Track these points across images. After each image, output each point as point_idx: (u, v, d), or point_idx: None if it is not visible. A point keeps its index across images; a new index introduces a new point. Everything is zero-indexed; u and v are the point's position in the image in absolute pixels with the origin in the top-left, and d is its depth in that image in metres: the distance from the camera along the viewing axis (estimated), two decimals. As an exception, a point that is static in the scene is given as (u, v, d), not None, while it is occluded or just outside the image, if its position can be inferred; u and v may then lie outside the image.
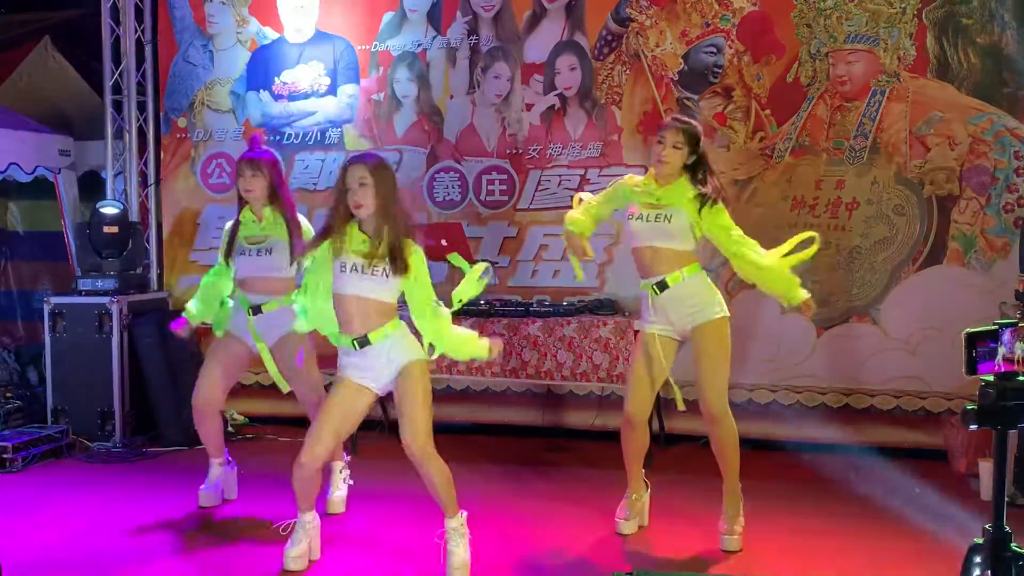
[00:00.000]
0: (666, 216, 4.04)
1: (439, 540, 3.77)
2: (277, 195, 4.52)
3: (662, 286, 4.05)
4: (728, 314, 4.11)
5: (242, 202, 4.56)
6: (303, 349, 4.40)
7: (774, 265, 4.04)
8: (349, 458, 4.78)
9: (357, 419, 3.84)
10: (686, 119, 4.16)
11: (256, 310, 4.50)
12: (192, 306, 4.65)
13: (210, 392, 4.62)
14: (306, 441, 3.71)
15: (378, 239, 3.60)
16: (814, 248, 4.01)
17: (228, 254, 4.55)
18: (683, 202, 4.02)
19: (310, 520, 3.90)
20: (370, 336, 3.64)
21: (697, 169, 4.06)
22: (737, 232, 4.06)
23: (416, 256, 3.62)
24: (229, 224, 4.60)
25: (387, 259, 3.58)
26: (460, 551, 3.72)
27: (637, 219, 4.11)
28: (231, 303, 4.58)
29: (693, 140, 4.04)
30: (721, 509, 4.10)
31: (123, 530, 4.39)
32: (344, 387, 3.73)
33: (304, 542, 3.88)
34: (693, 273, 4.06)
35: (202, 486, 4.76)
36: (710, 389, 4.02)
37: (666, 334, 4.10)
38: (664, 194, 4.05)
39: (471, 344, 3.76)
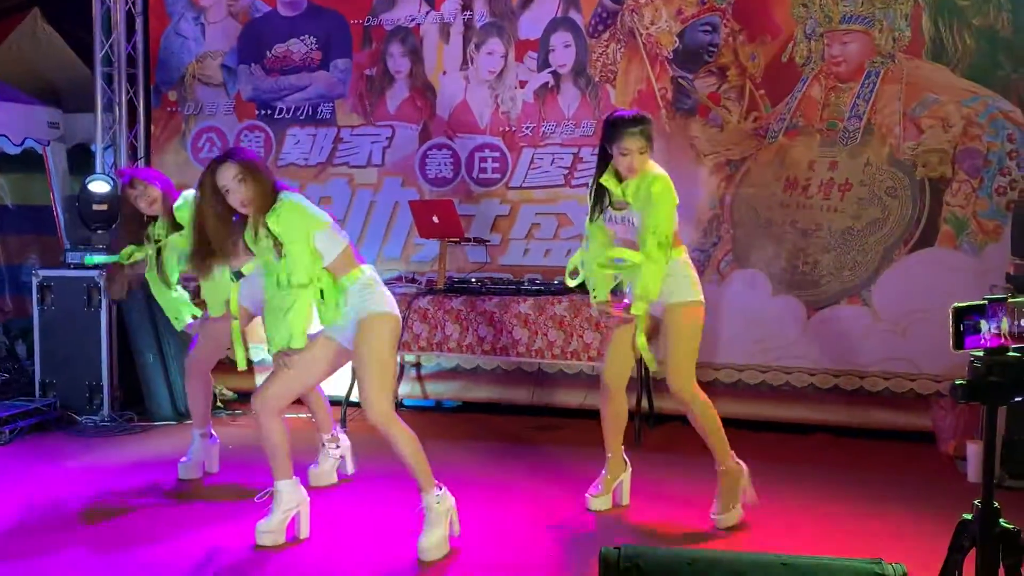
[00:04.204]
0: (630, 220, 4.04)
1: (418, 515, 3.75)
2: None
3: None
4: (702, 300, 4.06)
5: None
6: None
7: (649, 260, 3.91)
8: (341, 431, 4.77)
9: (318, 368, 3.80)
10: (635, 117, 4.01)
11: (238, 275, 4.52)
12: None
13: (205, 351, 4.62)
14: (267, 380, 3.74)
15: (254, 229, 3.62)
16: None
17: None
18: (640, 199, 3.97)
19: (286, 490, 3.83)
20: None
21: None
22: (651, 236, 3.90)
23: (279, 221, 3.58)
24: None
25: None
26: (433, 529, 3.69)
27: (609, 220, 4.12)
28: None
29: (650, 134, 3.98)
30: (716, 488, 4.11)
31: (106, 502, 4.38)
32: (320, 341, 3.75)
33: (278, 516, 3.82)
34: (671, 257, 4.00)
35: (183, 459, 4.76)
36: (674, 373, 4.02)
37: None
38: (628, 192, 3.99)
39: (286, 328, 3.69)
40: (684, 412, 4.14)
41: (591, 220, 4.20)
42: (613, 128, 3.98)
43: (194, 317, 4.72)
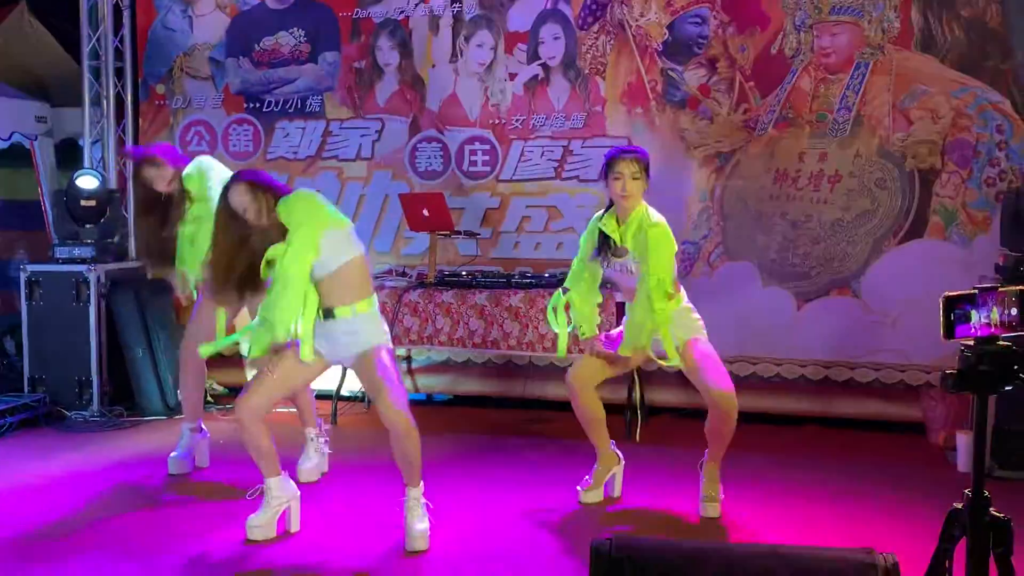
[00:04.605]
0: (628, 268, 4.09)
1: (401, 509, 3.76)
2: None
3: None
4: (703, 334, 4.10)
5: None
6: None
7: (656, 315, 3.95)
8: (327, 427, 4.77)
9: (305, 378, 3.86)
10: (630, 148, 4.20)
11: None
12: None
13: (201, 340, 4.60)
14: (251, 386, 3.74)
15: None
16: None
17: None
18: (639, 246, 4.00)
19: (275, 487, 3.84)
20: (335, 310, 3.67)
21: None
22: (655, 280, 3.94)
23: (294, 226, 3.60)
24: None
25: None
26: (423, 520, 3.73)
27: (607, 268, 4.18)
28: None
29: (646, 168, 4.04)
30: (701, 476, 4.12)
31: (95, 497, 4.37)
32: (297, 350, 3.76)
33: (269, 512, 3.83)
34: (673, 308, 4.02)
35: (173, 453, 4.74)
36: (715, 386, 3.99)
37: None
38: (627, 237, 4.03)
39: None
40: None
41: (585, 264, 4.25)
42: (609, 158, 4.08)
43: None
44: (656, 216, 4.04)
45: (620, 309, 5.29)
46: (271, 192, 3.67)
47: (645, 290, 3.97)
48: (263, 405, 3.79)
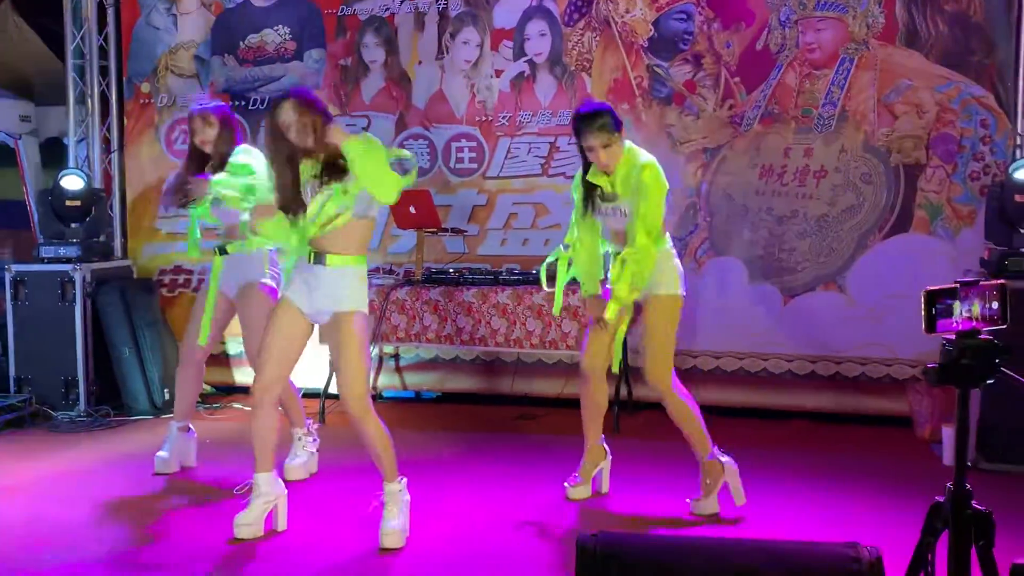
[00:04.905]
0: (621, 211, 4.00)
1: (377, 504, 3.76)
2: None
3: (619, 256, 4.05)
4: (681, 293, 4.05)
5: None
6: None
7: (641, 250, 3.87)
8: (316, 425, 4.76)
9: (300, 344, 3.78)
10: (592, 112, 3.94)
11: (223, 250, 4.50)
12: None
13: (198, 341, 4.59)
14: (255, 371, 3.70)
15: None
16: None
17: None
18: (628, 189, 3.94)
19: (265, 483, 3.82)
20: (328, 256, 3.63)
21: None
22: (641, 224, 3.88)
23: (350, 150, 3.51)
24: None
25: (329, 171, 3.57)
26: (395, 517, 3.70)
27: (598, 213, 4.08)
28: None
29: (612, 126, 3.89)
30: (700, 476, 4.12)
31: (81, 497, 4.35)
32: (283, 310, 3.72)
33: (258, 509, 3.81)
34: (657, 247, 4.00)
35: (159, 452, 4.72)
36: (651, 363, 4.01)
37: None
38: (617, 183, 3.97)
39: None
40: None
41: (581, 217, 4.13)
42: (574, 125, 3.97)
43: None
44: (645, 156, 3.95)
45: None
46: (319, 114, 3.59)
47: (633, 232, 3.88)
48: (277, 377, 3.74)
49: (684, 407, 4.03)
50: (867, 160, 5.58)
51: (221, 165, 4.42)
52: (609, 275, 4.07)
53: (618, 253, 4.01)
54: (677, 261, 4.09)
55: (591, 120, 3.90)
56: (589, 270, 4.15)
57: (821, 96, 5.62)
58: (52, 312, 5.90)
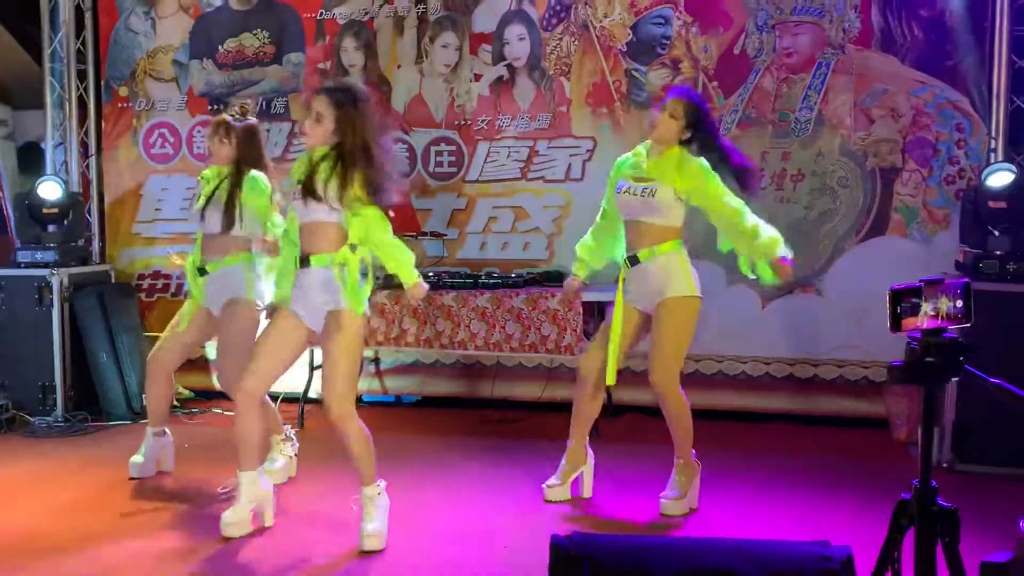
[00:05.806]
0: (651, 191, 4.05)
1: (354, 507, 3.76)
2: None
3: (633, 261, 4.11)
4: (698, 295, 4.11)
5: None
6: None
7: (757, 228, 4.04)
8: (294, 430, 4.75)
9: (292, 351, 3.79)
10: (693, 93, 4.22)
11: (202, 271, 4.50)
12: None
13: (167, 352, 4.58)
14: (245, 371, 3.72)
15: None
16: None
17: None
18: (668, 175, 4.01)
19: (250, 481, 3.82)
20: (311, 257, 3.66)
21: (693, 143, 4.06)
22: (729, 199, 4.03)
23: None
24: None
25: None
26: (373, 520, 3.70)
27: (624, 192, 4.14)
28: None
29: (692, 115, 4.02)
30: (671, 476, 4.14)
31: (59, 502, 4.33)
32: (283, 317, 3.74)
33: (244, 507, 3.82)
34: (667, 251, 4.07)
35: (134, 456, 4.69)
36: (657, 361, 4.05)
37: (632, 304, 4.15)
38: (652, 166, 4.06)
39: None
40: (655, 403, 4.19)
41: (609, 203, 4.27)
42: (669, 93, 4.18)
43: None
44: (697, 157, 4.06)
45: (587, 309, 5.31)
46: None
47: (723, 222, 4.04)
48: (259, 386, 3.75)
49: (683, 407, 4.09)
50: (844, 164, 5.62)
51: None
52: (617, 283, 4.18)
53: (630, 258, 4.09)
54: (690, 264, 4.14)
55: (691, 92, 4.22)
56: (591, 255, 4.31)
57: (798, 100, 5.65)
58: (29, 317, 5.87)
